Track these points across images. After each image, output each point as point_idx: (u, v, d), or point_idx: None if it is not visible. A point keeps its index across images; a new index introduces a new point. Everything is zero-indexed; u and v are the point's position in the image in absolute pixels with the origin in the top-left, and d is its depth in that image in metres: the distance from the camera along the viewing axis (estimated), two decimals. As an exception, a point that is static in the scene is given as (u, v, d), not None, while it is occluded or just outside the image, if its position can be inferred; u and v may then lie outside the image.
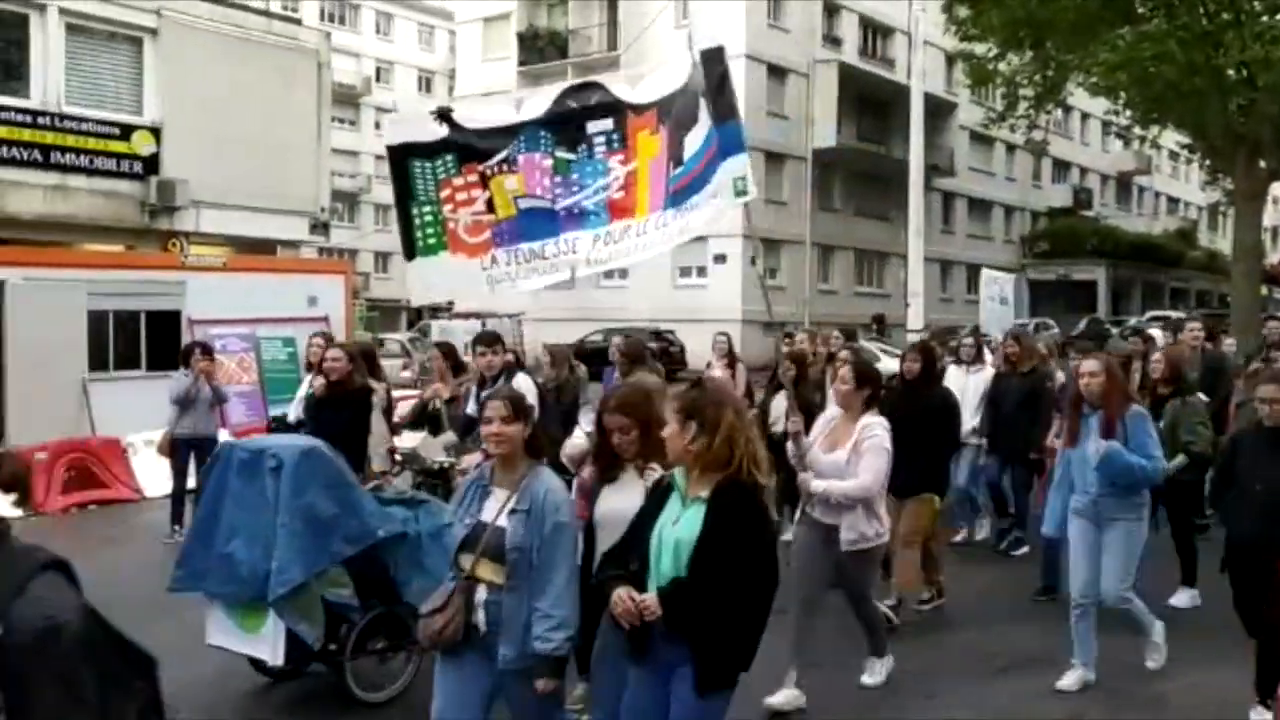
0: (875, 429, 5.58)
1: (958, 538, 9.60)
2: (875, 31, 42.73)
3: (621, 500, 4.17)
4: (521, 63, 40.19)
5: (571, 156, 5.95)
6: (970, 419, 9.13)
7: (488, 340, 7.59)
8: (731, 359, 11.12)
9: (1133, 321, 35.91)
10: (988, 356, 10.19)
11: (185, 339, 14.51)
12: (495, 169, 5.97)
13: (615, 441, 4.32)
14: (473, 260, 6.06)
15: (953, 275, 46.90)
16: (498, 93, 41.05)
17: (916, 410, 6.91)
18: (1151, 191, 63.69)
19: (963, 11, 29.82)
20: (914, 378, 7.47)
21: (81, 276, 15.05)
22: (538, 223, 5.98)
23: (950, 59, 39.28)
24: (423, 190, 6.04)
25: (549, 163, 5.95)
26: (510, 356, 7.60)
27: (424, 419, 8.48)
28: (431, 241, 6.09)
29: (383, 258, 59.14)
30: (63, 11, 17.85)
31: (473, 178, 5.98)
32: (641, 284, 37.00)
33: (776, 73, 37.55)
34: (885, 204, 41.52)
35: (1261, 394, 5.44)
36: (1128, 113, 34.83)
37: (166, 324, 15.63)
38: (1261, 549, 5.17)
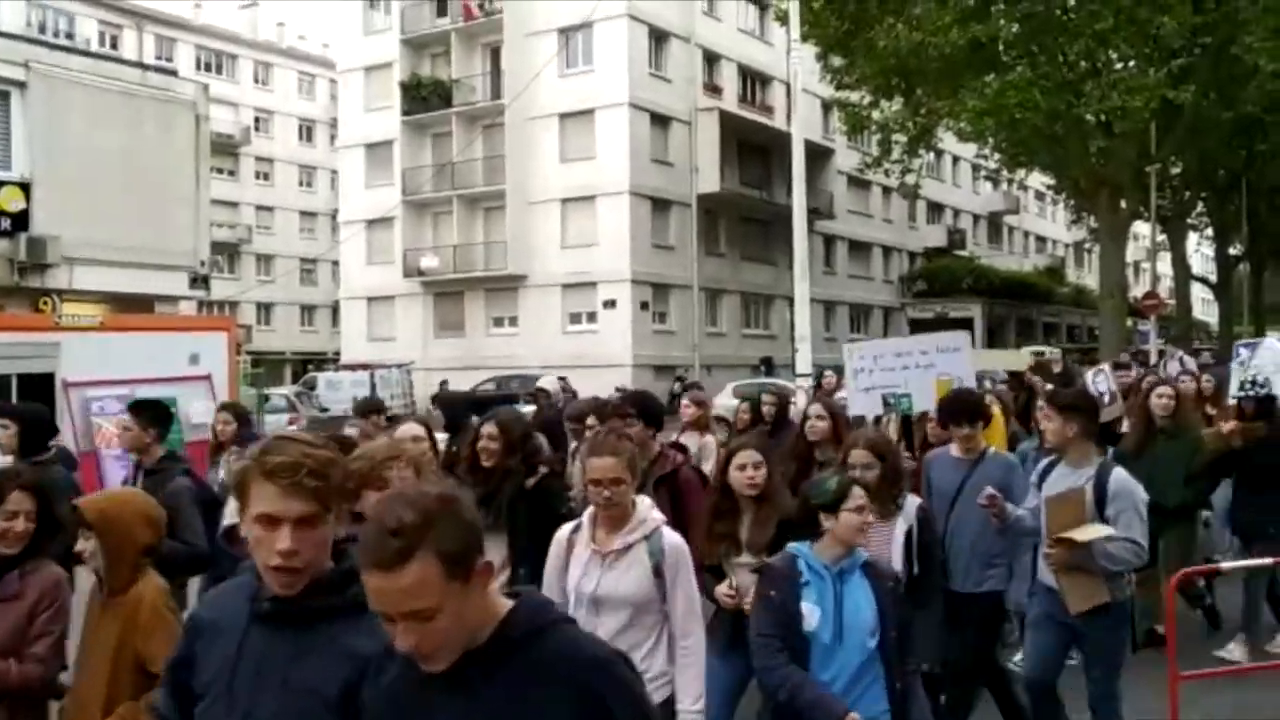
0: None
1: None
2: (754, 80, 43.76)
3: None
4: (405, 112, 40.04)
5: None
6: None
7: None
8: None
9: (1008, 356, 37.15)
10: None
11: (60, 402, 14.01)
12: None
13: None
14: None
15: (836, 316, 47.97)
16: (381, 142, 41.00)
17: None
18: (1021, 231, 66.21)
19: (837, 61, 30.82)
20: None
21: (-53, 340, 14.43)
22: None
23: (826, 106, 40.43)
24: None
25: None
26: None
27: None
28: None
29: (265, 309, 57.90)
30: (-77, 65, 17.23)
31: None
32: (532, 331, 37.04)
33: (660, 120, 38.15)
34: (769, 248, 42.36)
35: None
36: (996, 156, 36.39)
37: (40, 387, 15.03)
38: None
